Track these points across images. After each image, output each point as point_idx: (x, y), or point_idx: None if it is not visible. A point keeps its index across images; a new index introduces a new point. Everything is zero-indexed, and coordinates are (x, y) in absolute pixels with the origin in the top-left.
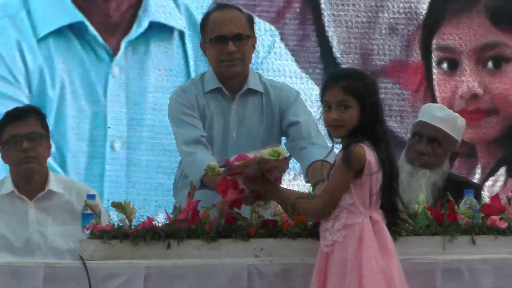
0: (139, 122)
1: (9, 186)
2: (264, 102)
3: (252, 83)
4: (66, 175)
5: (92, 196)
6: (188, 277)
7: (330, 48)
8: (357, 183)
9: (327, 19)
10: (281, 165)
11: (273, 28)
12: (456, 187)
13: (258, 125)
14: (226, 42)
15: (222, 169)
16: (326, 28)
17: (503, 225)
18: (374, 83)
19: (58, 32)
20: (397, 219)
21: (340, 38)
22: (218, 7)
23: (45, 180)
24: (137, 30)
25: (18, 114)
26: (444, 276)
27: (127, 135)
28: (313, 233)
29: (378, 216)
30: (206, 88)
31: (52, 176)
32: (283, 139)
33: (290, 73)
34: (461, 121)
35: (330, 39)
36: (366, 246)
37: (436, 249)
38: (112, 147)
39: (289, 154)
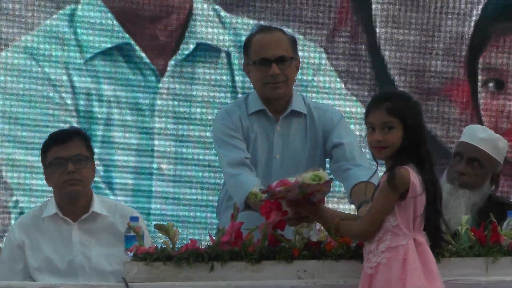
0: (186, 143)
1: (53, 208)
2: (308, 123)
3: (296, 104)
4: (112, 197)
5: (135, 218)
6: None
7: (385, 68)
8: (401, 205)
9: (381, 40)
10: (323, 189)
11: (320, 49)
12: (498, 208)
13: (302, 147)
14: (269, 64)
15: (264, 196)
16: (381, 50)
17: None
18: (418, 104)
19: (105, 53)
20: (440, 241)
21: (394, 58)
22: (262, 29)
23: (89, 202)
24: (184, 51)
25: (63, 137)
26: None
27: (174, 156)
28: (356, 255)
29: (422, 238)
30: (250, 110)
31: (96, 198)
32: (327, 161)
33: (338, 94)
34: (502, 142)
35: (385, 58)
36: (411, 268)
37: (478, 271)
38: (159, 168)
39: (331, 177)
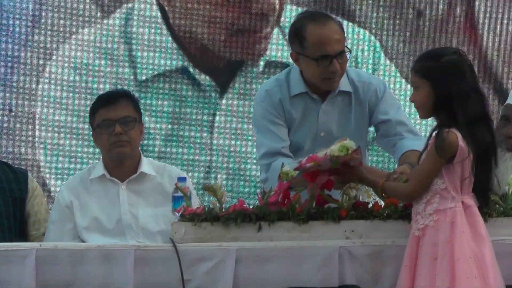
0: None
1: (100, 170)
2: (353, 100)
3: (342, 84)
4: None
5: (183, 179)
6: (279, 259)
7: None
8: (449, 168)
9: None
10: (354, 156)
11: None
12: None
13: (348, 123)
14: (330, 60)
15: (295, 173)
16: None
17: None
18: (453, 63)
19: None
20: (489, 201)
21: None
22: (315, 18)
23: (137, 164)
24: (253, 71)
25: (111, 98)
26: None
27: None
28: (404, 215)
29: (470, 200)
30: (292, 92)
31: (144, 159)
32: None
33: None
34: None
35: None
36: (459, 232)
37: None
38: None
39: (357, 146)
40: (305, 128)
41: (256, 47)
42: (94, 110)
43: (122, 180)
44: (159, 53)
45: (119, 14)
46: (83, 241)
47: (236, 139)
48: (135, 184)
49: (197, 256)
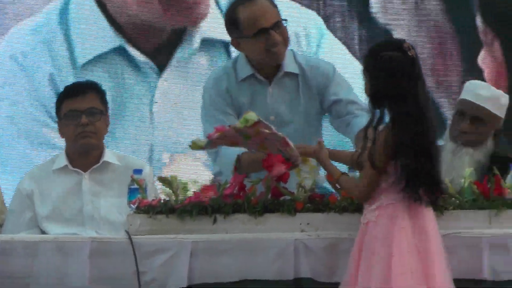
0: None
1: (63, 161)
2: (300, 83)
3: (288, 65)
4: None
5: (138, 171)
6: (234, 252)
7: None
8: (392, 164)
9: None
10: (261, 129)
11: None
12: (501, 162)
13: (297, 106)
14: (267, 32)
15: (204, 143)
16: None
17: None
18: (389, 61)
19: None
20: (439, 195)
21: None
22: (241, 1)
23: (100, 154)
24: (190, 49)
25: (78, 89)
26: (490, 250)
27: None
28: (360, 208)
29: (417, 195)
30: (239, 76)
31: (107, 150)
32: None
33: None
34: (504, 98)
35: None
36: (398, 227)
37: (482, 223)
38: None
39: (258, 119)
40: (255, 112)
41: (195, 10)
42: (60, 100)
43: (85, 170)
44: (97, 37)
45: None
46: (43, 231)
47: (176, 119)
48: (98, 173)
49: (152, 248)
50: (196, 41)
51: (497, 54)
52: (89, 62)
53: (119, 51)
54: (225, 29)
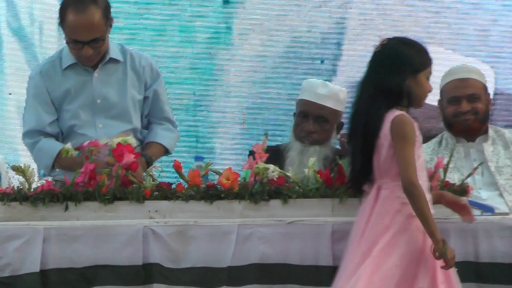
0: None
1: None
2: (128, 68)
3: (113, 53)
4: None
5: None
6: (86, 238)
7: None
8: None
9: None
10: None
11: None
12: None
13: (124, 91)
14: (82, 45)
15: (76, 152)
16: None
17: None
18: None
19: None
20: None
21: None
22: (78, 3)
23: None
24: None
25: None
26: (333, 236)
27: None
28: (206, 196)
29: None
30: (64, 64)
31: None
32: None
33: None
34: (342, 93)
35: None
36: (358, 218)
37: (325, 211)
38: None
39: (137, 145)
40: (82, 97)
41: None
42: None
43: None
44: None
45: None
46: None
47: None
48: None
49: (6, 234)
50: None
51: None
52: None
53: None
54: None
